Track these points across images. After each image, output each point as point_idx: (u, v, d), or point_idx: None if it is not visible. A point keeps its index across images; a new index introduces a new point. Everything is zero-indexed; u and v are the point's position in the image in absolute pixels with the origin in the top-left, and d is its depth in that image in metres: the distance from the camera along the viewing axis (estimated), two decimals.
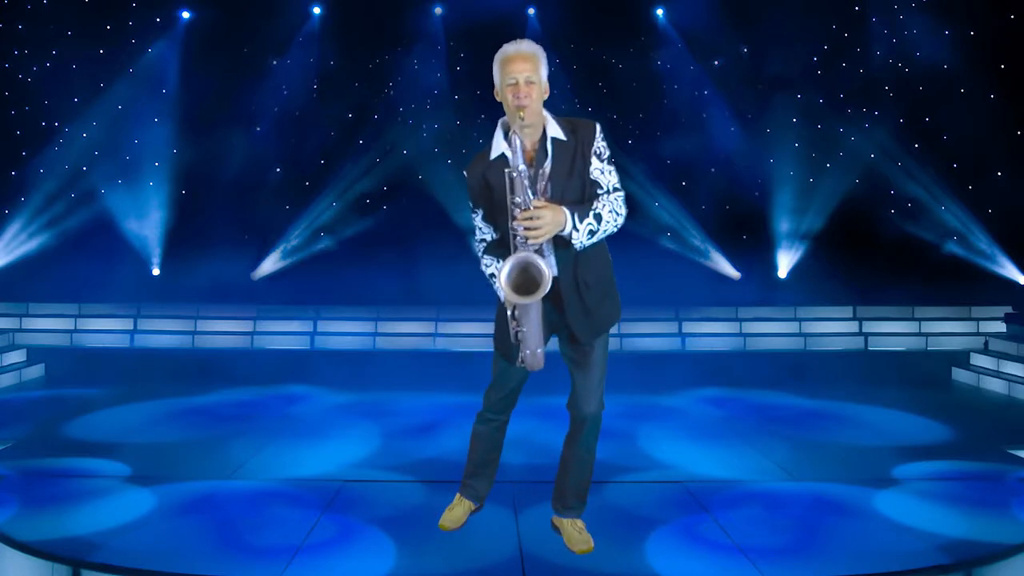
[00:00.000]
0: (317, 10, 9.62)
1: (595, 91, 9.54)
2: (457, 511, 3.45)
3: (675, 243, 9.57)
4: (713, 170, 9.52)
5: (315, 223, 9.58)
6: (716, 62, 9.64)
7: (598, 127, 2.94)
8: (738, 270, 9.41)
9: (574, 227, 2.80)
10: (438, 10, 9.48)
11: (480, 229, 3.08)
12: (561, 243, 2.87)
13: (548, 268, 2.75)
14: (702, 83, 9.65)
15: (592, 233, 2.85)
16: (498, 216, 2.92)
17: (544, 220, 2.74)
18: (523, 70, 2.83)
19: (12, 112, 9.15)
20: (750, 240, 9.43)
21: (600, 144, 2.93)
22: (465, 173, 3.03)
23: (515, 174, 2.77)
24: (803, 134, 9.41)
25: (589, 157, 2.90)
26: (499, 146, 2.91)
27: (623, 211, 2.93)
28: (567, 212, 2.79)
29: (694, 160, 9.48)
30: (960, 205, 9.07)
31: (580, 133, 2.91)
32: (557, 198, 2.86)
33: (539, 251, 2.82)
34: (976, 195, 8.98)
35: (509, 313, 2.91)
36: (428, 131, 9.47)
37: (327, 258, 9.45)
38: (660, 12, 9.70)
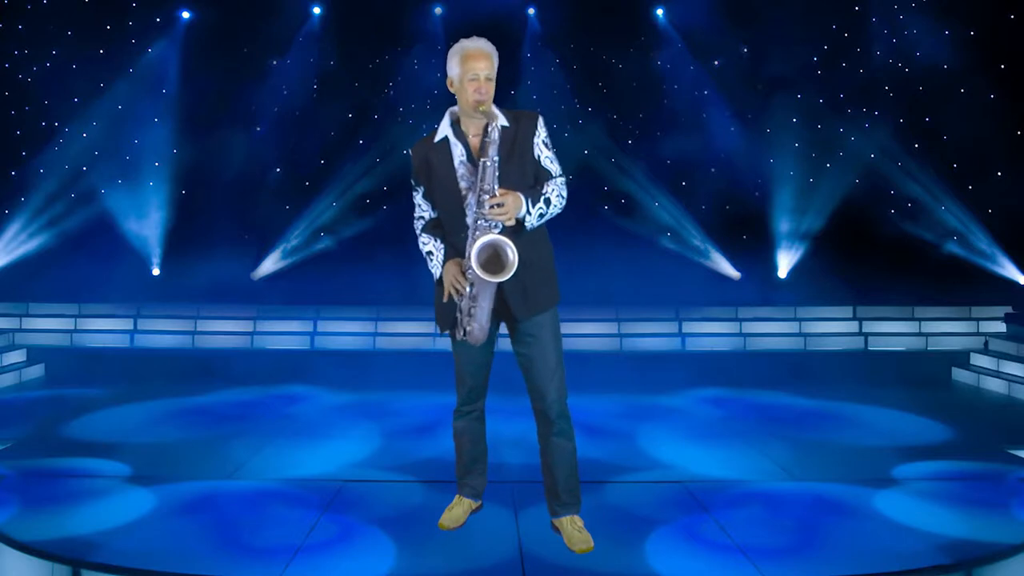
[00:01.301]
0: (317, 10, 9.62)
1: (595, 91, 9.54)
2: (457, 511, 3.46)
3: (675, 243, 9.57)
4: (713, 170, 9.52)
5: (315, 223, 9.58)
6: (716, 62, 9.64)
7: (540, 118, 3.14)
8: (738, 270, 9.41)
9: (527, 211, 3.01)
10: (438, 10, 9.48)
11: (419, 207, 3.28)
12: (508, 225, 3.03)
13: (514, 253, 2.92)
14: (702, 83, 9.65)
15: (542, 216, 3.08)
16: (437, 195, 3.15)
17: (508, 205, 2.94)
18: (484, 68, 3.03)
19: (12, 112, 9.15)
20: (750, 240, 9.42)
21: (543, 133, 3.13)
22: (410, 152, 3.25)
23: (489, 163, 2.96)
24: (803, 134, 9.41)
25: (529, 144, 3.10)
26: (444, 130, 3.15)
27: (566, 194, 3.16)
28: (523, 197, 2.99)
29: (694, 160, 9.48)
30: (960, 205, 9.07)
31: (522, 122, 3.11)
32: (499, 182, 3.02)
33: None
34: (976, 195, 8.97)
35: (468, 291, 3.03)
36: (428, 131, 9.43)
37: (327, 258, 9.45)
38: (660, 12, 9.70)
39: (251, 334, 8.26)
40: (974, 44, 8.77)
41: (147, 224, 9.33)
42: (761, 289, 9.10)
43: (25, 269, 8.92)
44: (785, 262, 9.47)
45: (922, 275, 8.74)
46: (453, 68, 3.07)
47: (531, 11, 9.57)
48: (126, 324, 8.38)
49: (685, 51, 9.60)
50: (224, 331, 8.31)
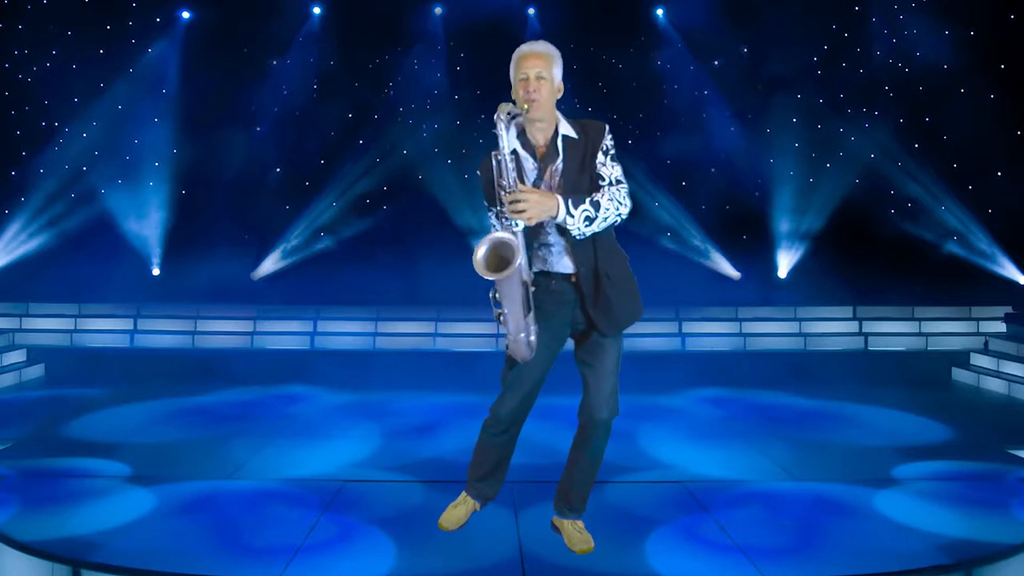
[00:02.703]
0: (317, 10, 9.62)
1: (595, 91, 9.53)
2: (460, 510, 3.44)
3: (675, 243, 9.57)
4: (713, 170, 9.52)
5: (315, 223, 9.58)
6: (716, 62, 9.64)
7: (607, 127, 3.01)
8: (738, 270, 9.41)
9: (568, 213, 2.81)
10: (438, 10, 9.48)
11: (494, 226, 3.12)
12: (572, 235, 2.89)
13: (520, 246, 2.78)
14: (702, 83, 9.65)
15: (590, 220, 2.85)
16: None
17: (529, 202, 2.76)
18: (535, 66, 2.89)
19: (12, 112, 9.15)
20: (750, 240, 9.42)
21: (608, 142, 3.01)
22: (478, 172, 3.08)
23: (500, 157, 2.81)
24: (803, 134, 9.41)
25: (598, 154, 2.97)
26: (511, 144, 2.94)
27: (626, 201, 2.95)
28: (559, 199, 2.81)
29: (694, 160, 9.48)
30: (960, 205, 9.07)
31: (590, 132, 2.99)
32: (569, 193, 2.90)
33: (515, 233, 2.85)
34: (976, 195, 8.98)
35: (491, 295, 2.92)
36: (428, 131, 9.47)
37: (327, 258, 9.45)
38: (660, 12, 9.70)
39: (251, 334, 8.26)
40: (974, 44, 8.77)
41: (147, 224, 9.33)
42: (761, 289, 9.11)
43: (25, 269, 8.92)
44: (785, 262, 9.47)
45: (922, 275, 8.74)
46: (511, 73, 2.96)
47: (531, 11, 9.57)
48: (126, 324, 8.38)
49: (685, 51, 9.60)
50: (224, 331, 8.31)
